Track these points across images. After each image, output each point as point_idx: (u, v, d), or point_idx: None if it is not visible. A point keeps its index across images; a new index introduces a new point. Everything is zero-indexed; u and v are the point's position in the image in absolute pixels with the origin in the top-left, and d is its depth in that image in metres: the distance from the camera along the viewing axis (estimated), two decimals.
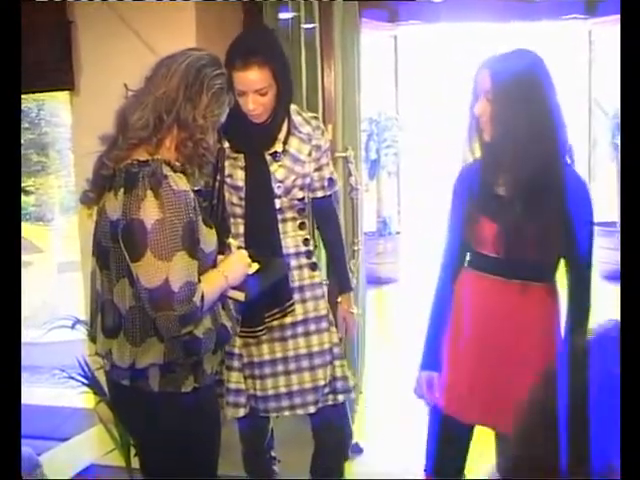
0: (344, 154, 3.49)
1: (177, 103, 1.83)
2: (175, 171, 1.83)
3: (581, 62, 6.70)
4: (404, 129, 7.34)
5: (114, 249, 1.83)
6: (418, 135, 9.13)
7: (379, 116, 7.11)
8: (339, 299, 2.69)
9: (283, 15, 3.71)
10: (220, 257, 2.02)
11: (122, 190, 1.78)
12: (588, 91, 6.73)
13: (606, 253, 5.70)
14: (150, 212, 1.73)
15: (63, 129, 6.21)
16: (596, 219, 2.05)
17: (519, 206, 2.01)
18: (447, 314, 2.18)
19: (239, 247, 2.16)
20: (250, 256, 2.03)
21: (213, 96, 1.87)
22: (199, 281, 1.80)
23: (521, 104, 1.98)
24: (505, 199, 2.07)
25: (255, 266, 2.03)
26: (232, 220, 2.45)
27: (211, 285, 1.87)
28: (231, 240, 2.22)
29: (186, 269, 1.75)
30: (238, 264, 2.00)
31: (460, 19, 5.48)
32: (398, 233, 7.35)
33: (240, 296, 1.99)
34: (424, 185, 10.50)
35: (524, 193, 2.01)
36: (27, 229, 7.49)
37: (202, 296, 1.79)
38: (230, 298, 1.98)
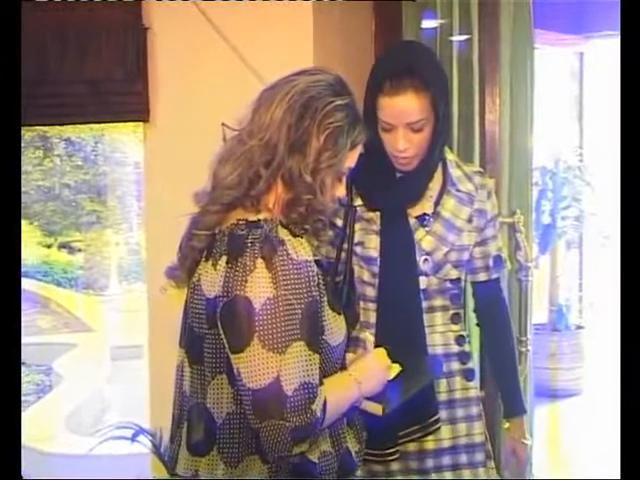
0: (511, 219, 3.46)
1: (279, 152, 1.86)
2: (294, 235, 1.87)
3: None
4: (590, 183, 7.26)
5: (211, 336, 1.88)
6: (609, 191, 8.91)
7: (556, 165, 7.10)
8: (506, 424, 2.70)
9: (427, 23, 3.61)
10: (348, 355, 2.06)
11: (224, 259, 1.83)
12: None
13: None
14: (260, 287, 1.77)
15: (128, 169, 6.26)
16: None
17: None
18: None
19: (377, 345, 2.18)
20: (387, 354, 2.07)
21: (328, 139, 1.88)
22: (321, 384, 1.83)
23: None
24: None
25: (396, 368, 2.06)
26: (362, 304, 2.50)
27: (338, 392, 1.90)
28: (367, 334, 2.24)
29: (304, 366, 1.78)
30: (376, 368, 2.04)
31: None
32: (580, 328, 7.26)
33: (377, 409, 2.01)
34: (615, 260, 10.24)
35: None
36: (72, 299, 7.48)
37: (324, 404, 1.81)
38: (362, 412, 2.01)
